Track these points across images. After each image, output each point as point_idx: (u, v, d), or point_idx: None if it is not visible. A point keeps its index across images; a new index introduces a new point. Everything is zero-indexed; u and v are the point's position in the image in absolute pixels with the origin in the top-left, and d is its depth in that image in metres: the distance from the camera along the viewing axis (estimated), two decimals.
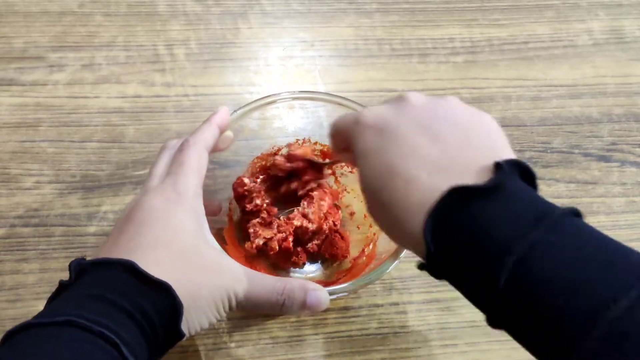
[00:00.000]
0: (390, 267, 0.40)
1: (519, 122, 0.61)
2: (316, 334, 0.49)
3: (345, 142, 0.36)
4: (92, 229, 0.51)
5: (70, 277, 0.31)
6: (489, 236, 0.26)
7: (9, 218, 0.51)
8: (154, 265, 0.32)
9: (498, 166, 0.27)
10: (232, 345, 0.47)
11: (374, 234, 0.49)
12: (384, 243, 0.45)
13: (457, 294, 0.30)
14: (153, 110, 0.58)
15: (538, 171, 0.58)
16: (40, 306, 0.47)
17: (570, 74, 0.65)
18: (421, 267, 0.30)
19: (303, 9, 0.66)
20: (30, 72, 0.59)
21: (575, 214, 0.27)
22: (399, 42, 0.65)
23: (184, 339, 0.33)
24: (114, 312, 0.29)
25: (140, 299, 0.30)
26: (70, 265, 0.32)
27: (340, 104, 0.47)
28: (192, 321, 0.33)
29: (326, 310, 0.43)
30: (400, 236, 0.31)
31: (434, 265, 0.29)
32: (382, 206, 0.30)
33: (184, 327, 0.32)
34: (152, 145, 0.56)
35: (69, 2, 0.63)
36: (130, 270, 0.31)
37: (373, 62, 0.63)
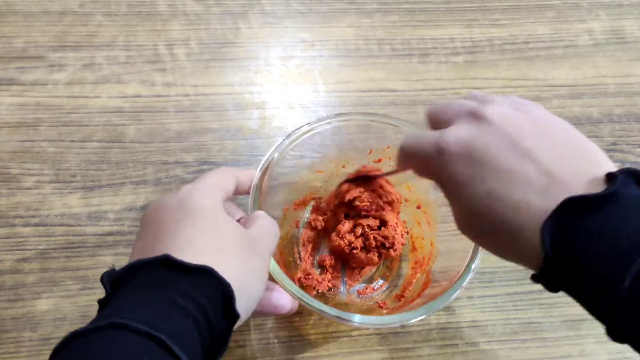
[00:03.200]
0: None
1: None
2: (316, 334, 0.49)
3: (418, 167, 0.35)
4: (92, 229, 0.51)
5: (106, 290, 0.31)
6: (612, 242, 0.26)
7: (9, 218, 0.51)
8: (198, 255, 0.32)
9: (611, 177, 0.27)
10: (232, 345, 0.47)
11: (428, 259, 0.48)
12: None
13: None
14: (153, 110, 0.58)
15: None
16: (40, 306, 0.48)
17: (570, 74, 0.65)
18: (536, 278, 0.29)
19: (303, 9, 0.66)
20: (30, 71, 0.59)
21: None
22: (400, 42, 0.65)
23: (242, 322, 0.32)
24: (158, 304, 0.29)
25: (185, 286, 0.30)
26: (102, 280, 0.31)
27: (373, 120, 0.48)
28: (243, 301, 0.32)
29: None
30: (512, 254, 0.31)
31: (550, 275, 0.28)
32: (490, 227, 0.30)
33: (239, 309, 0.31)
34: (152, 145, 0.56)
35: (70, 2, 0.63)
36: (167, 263, 0.30)
37: (373, 62, 0.63)
